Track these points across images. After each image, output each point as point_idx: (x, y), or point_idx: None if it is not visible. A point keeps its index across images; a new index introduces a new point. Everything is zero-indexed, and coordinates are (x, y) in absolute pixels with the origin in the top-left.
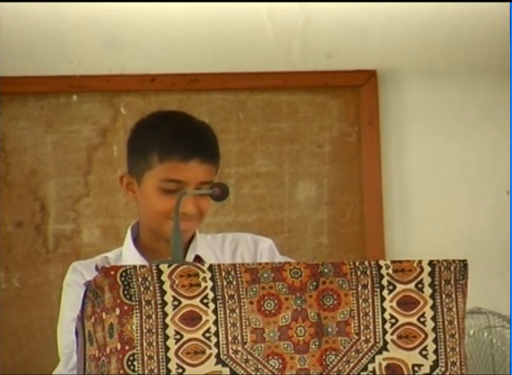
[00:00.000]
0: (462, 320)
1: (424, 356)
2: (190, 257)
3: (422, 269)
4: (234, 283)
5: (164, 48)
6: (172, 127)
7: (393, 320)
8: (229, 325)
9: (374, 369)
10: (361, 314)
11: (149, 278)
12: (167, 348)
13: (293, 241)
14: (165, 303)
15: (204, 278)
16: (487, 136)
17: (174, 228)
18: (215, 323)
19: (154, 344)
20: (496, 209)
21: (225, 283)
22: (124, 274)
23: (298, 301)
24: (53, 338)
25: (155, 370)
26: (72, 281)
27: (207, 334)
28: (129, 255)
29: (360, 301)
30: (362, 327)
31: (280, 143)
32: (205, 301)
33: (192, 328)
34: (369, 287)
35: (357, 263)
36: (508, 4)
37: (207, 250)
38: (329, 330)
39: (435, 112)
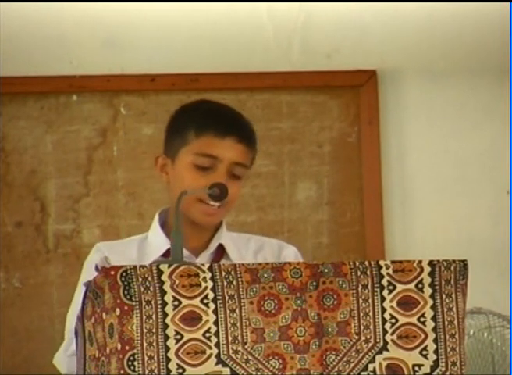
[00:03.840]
0: (462, 320)
1: (425, 356)
2: (213, 245)
3: (422, 269)
4: (234, 283)
5: (164, 48)
6: (211, 107)
7: (393, 320)
8: (229, 325)
9: (374, 369)
10: (361, 314)
11: (149, 278)
12: (167, 348)
13: (293, 241)
14: (165, 303)
15: (205, 278)
16: (487, 136)
17: (175, 228)
18: (216, 323)
19: (155, 344)
20: (496, 209)
21: (225, 284)
22: (124, 274)
23: (298, 301)
24: (53, 338)
25: (155, 370)
26: (93, 261)
27: (207, 334)
28: (154, 237)
29: (361, 301)
30: (362, 327)
31: (280, 143)
32: (205, 301)
33: (192, 328)
34: (369, 287)
35: (357, 263)
36: (508, 4)
37: (231, 243)
38: (329, 330)
39: (435, 112)
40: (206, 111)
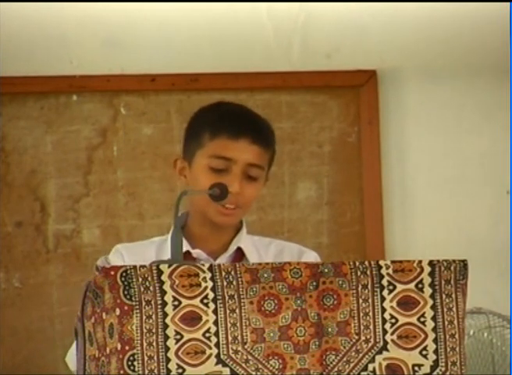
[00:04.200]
0: (462, 320)
1: (425, 356)
2: (232, 248)
3: (422, 269)
4: (234, 283)
5: (164, 48)
6: (226, 108)
7: (393, 320)
8: (229, 325)
9: (374, 369)
10: (361, 314)
11: (149, 278)
12: (167, 348)
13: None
14: (165, 303)
15: (205, 278)
16: (487, 136)
17: (174, 228)
18: (215, 323)
19: (155, 344)
20: (496, 209)
21: (225, 284)
22: (124, 274)
23: (298, 301)
24: (53, 338)
25: (155, 370)
26: (112, 262)
27: (207, 334)
28: None
29: (361, 301)
30: (362, 327)
31: (280, 143)
32: (205, 301)
33: (192, 328)
34: (369, 287)
35: (357, 263)
36: (508, 4)
37: (250, 246)
38: (329, 330)
39: (435, 112)
40: (220, 113)
